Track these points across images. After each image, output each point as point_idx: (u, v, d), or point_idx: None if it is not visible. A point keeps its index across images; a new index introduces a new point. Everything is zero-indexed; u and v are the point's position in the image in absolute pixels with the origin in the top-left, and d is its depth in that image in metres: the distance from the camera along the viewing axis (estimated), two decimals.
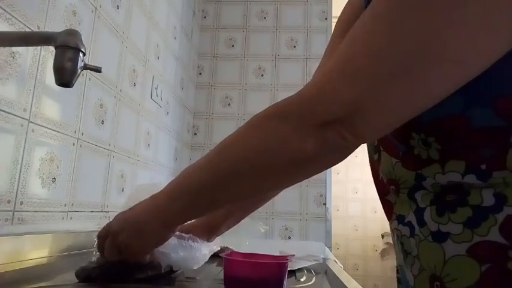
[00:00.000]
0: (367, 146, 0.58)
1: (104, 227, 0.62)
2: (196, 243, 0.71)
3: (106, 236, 0.60)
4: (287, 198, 2.09)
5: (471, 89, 0.39)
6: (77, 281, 0.63)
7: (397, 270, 0.56)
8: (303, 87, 0.44)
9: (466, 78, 0.37)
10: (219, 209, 0.58)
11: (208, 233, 0.82)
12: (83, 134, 1.06)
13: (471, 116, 0.40)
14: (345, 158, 0.45)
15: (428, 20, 0.35)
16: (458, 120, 0.41)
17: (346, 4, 0.72)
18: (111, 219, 0.63)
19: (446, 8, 0.34)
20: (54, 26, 0.91)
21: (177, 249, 0.68)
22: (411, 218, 0.48)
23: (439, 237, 0.44)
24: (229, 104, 2.25)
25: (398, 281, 0.55)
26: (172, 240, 0.66)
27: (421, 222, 0.46)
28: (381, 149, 0.52)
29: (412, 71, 0.36)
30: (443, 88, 0.38)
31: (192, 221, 0.80)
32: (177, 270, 0.77)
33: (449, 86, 0.38)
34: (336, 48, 0.65)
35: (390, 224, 0.54)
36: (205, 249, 0.74)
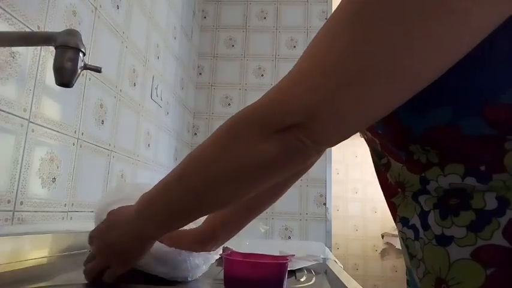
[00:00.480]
0: (371, 152, 0.58)
1: (90, 234, 0.65)
2: (184, 253, 0.69)
3: (92, 260, 0.63)
4: (287, 198, 2.08)
5: (459, 99, 0.40)
6: (77, 281, 0.63)
7: (406, 272, 0.56)
8: (267, 91, 0.47)
9: (416, 88, 0.39)
10: (195, 219, 0.58)
11: (202, 242, 0.76)
12: (83, 134, 1.06)
13: (461, 125, 0.40)
14: (308, 161, 0.47)
15: (377, 36, 0.37)
16: (449, 130, 0.41)
17: None
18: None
19: (391, 24, 0.36)
20: (54, 26, 0.91)
21: (159, 262, 0.66)
22: (415, 221, 0.48)
23: (443, 240, 0.44)
24: (229, 104, 2.24)
25: (408, 283, 0.56)
26: (155, 252, 0.65)
27: (425, 226, 0.46)
28: (386, 154, 0.53)
29: (363, 83, 0.39)
30: (394, 99, 0.40)
31: (183, 228, 0.75)
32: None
33: (400, 97, 0.40)
34: None
35: (396, 226, 0.55)
36: (198, 260, 0.71)
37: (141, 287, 0.69)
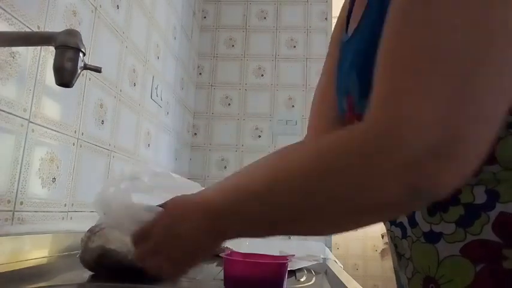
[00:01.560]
0: None
1: (142, 230, 0.51)
2: None
3: (141, 240, 0.50)
4: None
5: None
6: (77, 281, 0.63)
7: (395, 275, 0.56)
8: (368, 113, 0.35)
9: None
10: (279, 235, 0.48)
11: None
12: (83, 134, 1.06)
13: None
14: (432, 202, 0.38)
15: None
16: None
17: (337, 20, 0.71)
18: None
19: None
20: (54, 26, 0.91)
21: None
22: (402, 218, 0.47)
23: (432, 237, 0.43)
24: (229, 104, 2.25)
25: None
26: None
27: (413, 223, 0.45)
28: None
29: (493, 57, 0.31)
30: None
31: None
32: None
33: None
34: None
35: (384, 225, 0.54)
36: None
37: (133, 286, 0.69)
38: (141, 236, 0.50)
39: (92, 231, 0.73)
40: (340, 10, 0.68)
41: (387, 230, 0.52)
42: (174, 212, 0.49)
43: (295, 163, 0.40)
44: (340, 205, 0.36)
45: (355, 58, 0.51)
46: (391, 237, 0.51)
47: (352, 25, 0.55)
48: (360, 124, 0.36)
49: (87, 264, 0.72)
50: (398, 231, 0.48)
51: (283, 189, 0.40)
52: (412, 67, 0.33)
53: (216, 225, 0.45)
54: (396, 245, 0.49)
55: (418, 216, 0.45)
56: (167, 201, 0.51)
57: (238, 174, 0.52)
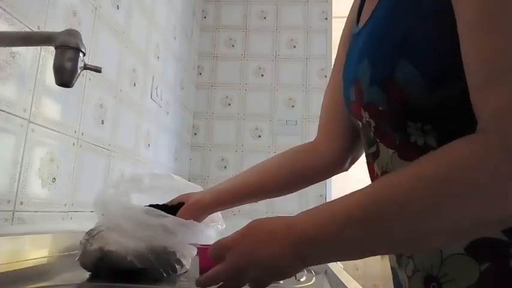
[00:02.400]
0: (363, 139, 0.56)
1: (221, 247, 0.48)
2: (200, 225, 0.73)
3: (222, 257, 0.47)
4: (287, 198, 2.08)
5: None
6: (77, 281, 0.63)
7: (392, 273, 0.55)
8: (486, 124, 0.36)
9: None
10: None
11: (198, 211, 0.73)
12: (83, 134, 1.06)
13: (469, 102, 0.38)
14: None
15: None
16: (457, 105, 0.40)
17: (346, 22, 0.71)
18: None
19: None
20: (54, 26, 0.91)
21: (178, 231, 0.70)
22: None
23: None
24: (229, 104, 2.24)
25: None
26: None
27: None
28: (378, 140, 0.51)
29: None
30: None
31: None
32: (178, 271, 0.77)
33: None
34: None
35: None
36: (210, 231, 0.76)
37: (133, 286, 0.69)
38: (219, 253, 0.47)
39: (90, 234, 0.73)
40: (349, 10, 0.67)
41: None
42: (258, 232, 0.46)
43: (409, 183, 0.37)
44: (470, 221, 0.35)
45: (367, 45, 0.50)
46: None
47: (364, 17, 0.55)
48: (486, 135, 0.35)
49: (87, 267, 0.72)
50: None
51: (398, 210, 0.37)
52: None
53: (298, 254, 0.43)
54: None
55: None
56: (255, 223, 0.47)
57: (333, 202, 0.44)
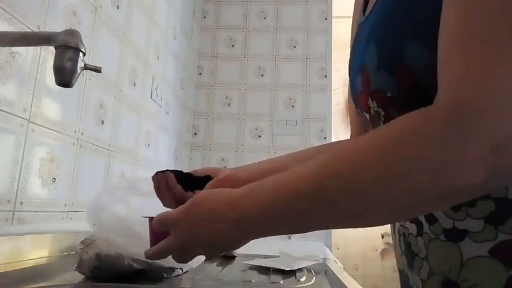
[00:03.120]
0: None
1: (165, 222, 0.50)
2: None
3: (163, 230, 0.50)
4: None
5: None
6: (77, 281, 0.63)
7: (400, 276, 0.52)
8: (444, 94, 0.34)
9: None
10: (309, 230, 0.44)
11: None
12: (83, 134, 1.06)
13: None
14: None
15: None
16: None
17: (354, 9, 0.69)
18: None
19: None
20: (54, 26, 0.91)
21: None
22: None
23: (455, 235, 0.39)
24: (229, 104, 2.24)
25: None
26: None
27: (432, 219, 0.42)
28: None
29: None
30: None
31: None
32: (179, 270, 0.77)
33: None
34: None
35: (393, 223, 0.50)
36: None
37: (133, 286, 0.69)
38: (163, 227, 0.50)
39: (84, 243, 0.72)
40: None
41: (399, 226, 0.48)
42: (202, 211, 0.46)
43: (354, 155, 0.37)
44: (416, 193, 0.34)
45: (374, 29, 0.47)
46: (403, 233, 0.47)
47: (371, 5, 0.53)
48: (437, 106, 0.34)
49: (85, 275, 0.71)
50: (412, 228, 0.44)
51: (344, 182, 0.36)
52: (485, 44, 0.32)
53: (239, 230, 0.44)
54: (409, 243, 0.45)
55: (439, 212, 0.41)
56: (198, 198, 0.48)
57: (274, 177, 0.44)
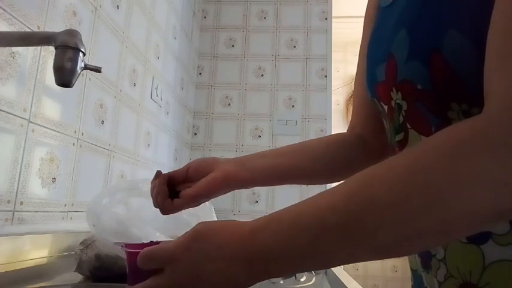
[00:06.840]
0: (387, 126, 0.50)
1: (159, 258, 0.39)
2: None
3: (156, 269, 0.39)
4: (287, 198, 2.08)
5: None
6: (77, 281, 0.63)
7: (411, 276, 0.50)
8: (489, 107, 0.31)
9: None
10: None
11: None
12: (83, 134, 1.06)
13: None
14: None
15: None
16: None
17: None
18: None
19: None
20: (54, 26, 0.91)
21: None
22: None
23: (477, 237, 0.38)
24: (229, 104, 2.24)
25: None
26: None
27: None
28: (408, 126, 0.44)
29: None
30: None
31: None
32: None
33: None
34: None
35: None
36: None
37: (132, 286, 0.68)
38: (153, 264, 0.39)
39: (84, 244, 0.72)
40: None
41: None
42: (205, 246, 0.38)
43: (396, 177, 0.32)
44: (475, 215, 0.30)
45: (406, 15, 0.44)
46: None
47: None
48: (489, 116, 0.31)
49: (85, 275, 0.71)
50: None
51: (388, 209, 0.31)
52: None
53: (246, 273, 0.36)
54: None
55: None
56: (195, 227, 0.40)
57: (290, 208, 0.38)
